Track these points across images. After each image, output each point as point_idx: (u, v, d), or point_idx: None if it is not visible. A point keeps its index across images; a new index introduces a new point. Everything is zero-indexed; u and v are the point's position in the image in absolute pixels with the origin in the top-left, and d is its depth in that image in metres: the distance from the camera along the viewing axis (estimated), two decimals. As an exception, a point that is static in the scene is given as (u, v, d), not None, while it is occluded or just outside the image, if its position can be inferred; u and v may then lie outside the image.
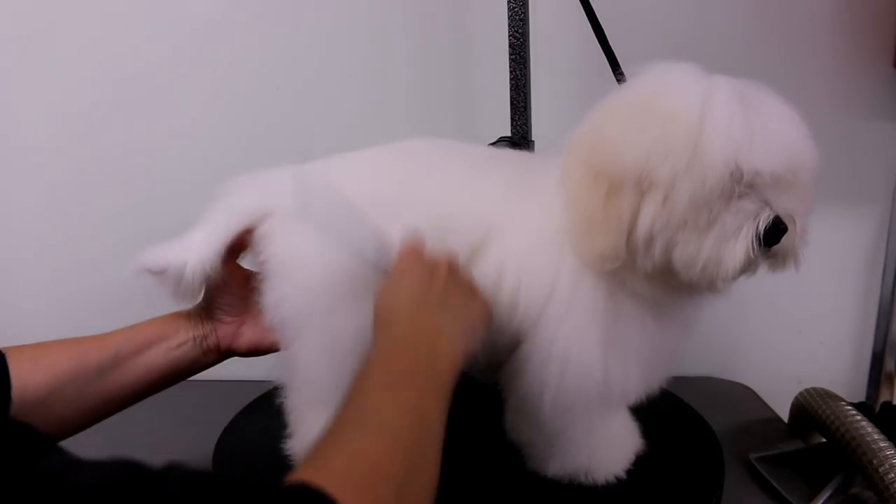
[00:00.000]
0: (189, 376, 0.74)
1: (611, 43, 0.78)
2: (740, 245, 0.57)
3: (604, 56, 0.78)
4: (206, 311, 0.74)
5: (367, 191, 0.69)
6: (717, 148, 0.55)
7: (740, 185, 0.56)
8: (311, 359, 0.69)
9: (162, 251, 0.72)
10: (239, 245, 0.71)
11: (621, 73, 0.73)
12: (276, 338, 0.72)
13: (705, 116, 0.56)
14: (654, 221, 0.57)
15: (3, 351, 0.65)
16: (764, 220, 0.57)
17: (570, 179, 0.61)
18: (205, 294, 0.74)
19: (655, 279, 0.61)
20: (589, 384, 0.65)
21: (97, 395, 0.68)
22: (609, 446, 0.72)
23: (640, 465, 0.74)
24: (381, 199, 0.68)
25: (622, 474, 0.72)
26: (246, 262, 0.75)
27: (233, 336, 0.75)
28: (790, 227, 0.58)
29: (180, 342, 0.73)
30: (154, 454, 0.93)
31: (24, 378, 0.64)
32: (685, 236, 0.57)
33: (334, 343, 0.67)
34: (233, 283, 0.73)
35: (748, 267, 0.58)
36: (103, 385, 0.68)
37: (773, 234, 0.57)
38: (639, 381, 0.67)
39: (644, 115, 0.58)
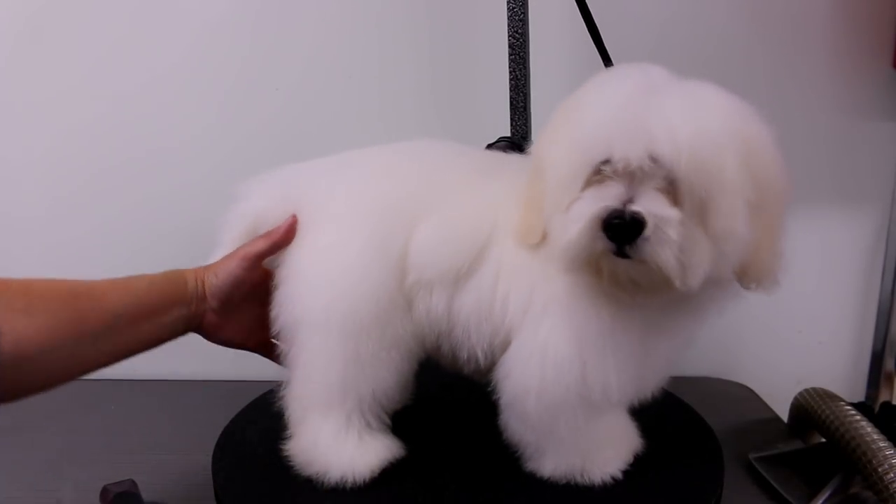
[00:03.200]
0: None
1: (610, 45, 0.79)
2: (574, 226, 0.56)
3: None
4: (210, 294, 0.71)
5: (373, 191, 0.70)
6: (581, 133, 0.58)
7: (603, 173, 0.57)
8: (322, 363, 0.69)
9: None
10: (271, 251, 0.71)
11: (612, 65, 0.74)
12: (254, 342, 0.74)
13: (588, 104, 0.59)
14: (544, 197, 0.62)
15: None
16: (605, 210, 0.55)
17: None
18: (214, 281, 0.71)
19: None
20: (567, 381, 0.65)
21: (87, 359, 0.66)
22: (604, 447, 0.72)
23: (640, 465, 0.73)
24: (387, 201, 0.69)
25: (619, 475, 0.72)
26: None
27: (216, 326, 0.73)
28: (651, 225, 0.54)
29: (174, 318, 0.70)
30: (154, 454, 0.93)
31: (18, 332, 0.60)
32: (554, 217, 0.60)
33: (347, 349, 0.68)
34: (248, 282, 0.72)
35: (588, 252, 0.57)
36: (95, 351, 0.66)
37: (623, 229, 0.54)
38: (623, 382, 0.66)
39: (565, 109, 0.62)
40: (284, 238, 0.70)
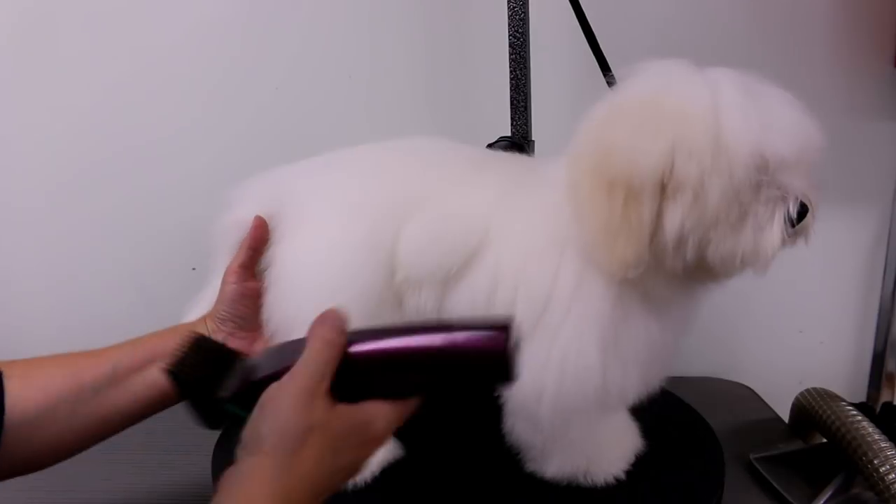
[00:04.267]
0: None
1: (609, 44, 0.78)
2: (776, 232, 0.58)
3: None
4: (220, 322, 0.71)
5: (360, 189, 0.70)
6: (740, 140, 0.56)
7: (765, 173, 0.57)
8: None
9: (199, 305, 0.75)
10: (253, 257, 0.71)
11: (611, 75, 0.72)
12: None
13: (719, 111, 0.56)
14: (683, 222, 0.57)
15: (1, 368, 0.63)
16: (794, 205, 0.58)
17: (581, 191, 0.60)
18: (217, 308, 0.72)
19: (677, 278, 0.61)
20: (587, 389, 0.65)
21: (92, 415, 0.64)
22: (608, 448, 0.72)
23: (640, 465, 0.73)
24: (374, 199, 0.68)
25: (621, 475, 0.72)
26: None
27: (245, 351, 0.71)
28: (810, 206, 0.60)
29: None
30: (154, 454, 0.93)
31: (14, 395, 0.61)
32: (719, 232, 0.58)
33: None
34: (247, 295, 0.71)
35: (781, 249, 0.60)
36: (99, 404, 0.64)
37: (801, 215, 0.59)
38: (637, 383, 0.67)
39: (654, 118, 0.57)
40: (255, 240, 0.70)
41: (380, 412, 0.51)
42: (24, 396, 0.61)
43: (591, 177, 0.59)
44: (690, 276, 0.61)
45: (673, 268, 0.60)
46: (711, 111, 0.56)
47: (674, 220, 0.57)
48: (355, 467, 0.52)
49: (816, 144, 0.59)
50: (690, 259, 0.59)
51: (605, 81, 0.73)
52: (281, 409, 0.48)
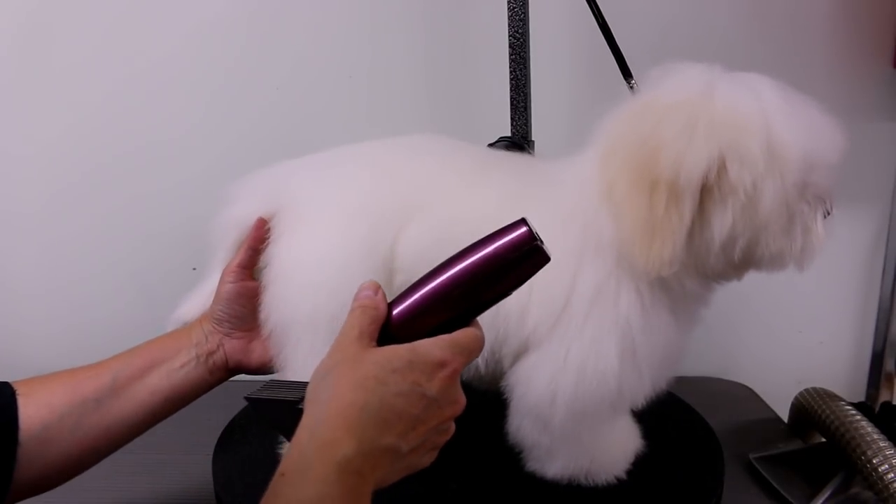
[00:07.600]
0: (196, 397, 0.71)
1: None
2: (821, 230, 0.61)
3: (603, 56, 0.77)
4: (216, 323, 0.71)
5: (359, 189, 0.69)
6: (791, 146, 0.57)
7: (809, 175, 0.59)
8: (313, 365, 0.68)
9: (193, 300, 0.75)
10: (253, 257, 0.70)
11: (632, 78, 0.72)
12: None
13: (768, 117, 0.57)
14: (734, 225, 0.58)
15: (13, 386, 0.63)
16: (830, 203, 0.61)
17: (618, 189, 0.60)
18: (214, 308, 0.71)
19: (708, 276, 0.63)
20: (603, 392, 0.65)
21: (97, 427, 0.64)
22: (611, 448, 0.72)
23: (640, 465, 0.73)
24: (374, 199, 0.68)
25: (623, 475, 0.72)
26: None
27: (243, 351, 0.72)
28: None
29: (183, 362, 0.69)
30: (154, 454, 0.93)
31: (18, 412, 0.61)
32: (769, 233, 0.59)
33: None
34: (244, 294, 0.70)
35: None
36: (102, 415, 0.64)
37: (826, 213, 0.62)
38: (649, 386, 0.67)
39: (702, 121, 0.57)
40: (255, 240, 0.70)
41: (427, 341, 0.50)
42: (28, 414, 0.61)
43: (631, 175, 0.59)
44: (724, 275, 0.63)
45: (715, 267, 0.61)
46: (761, 117, 0.57)
47: (724, 222, 0.58)
48: (423, 395, 0.49)
49: (845, 146, 0.60)
50: (738, 259, 0.60)
51: (607, 81, 0.73)
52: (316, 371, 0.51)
